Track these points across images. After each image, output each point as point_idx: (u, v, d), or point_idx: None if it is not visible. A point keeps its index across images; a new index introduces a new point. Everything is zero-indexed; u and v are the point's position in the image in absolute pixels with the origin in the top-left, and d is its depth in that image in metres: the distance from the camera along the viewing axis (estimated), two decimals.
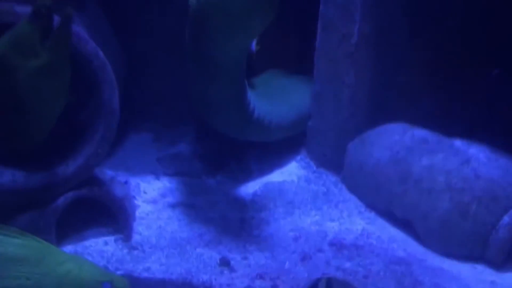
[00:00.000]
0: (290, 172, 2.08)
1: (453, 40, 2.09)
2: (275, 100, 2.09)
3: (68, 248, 1.58)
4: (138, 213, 1.75)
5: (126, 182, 1.84)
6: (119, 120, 1.59)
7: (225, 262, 1.59)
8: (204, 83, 1.78)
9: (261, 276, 1.55)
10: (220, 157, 2.06)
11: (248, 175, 2.03)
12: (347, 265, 1.62)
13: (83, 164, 1.59)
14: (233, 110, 1.85)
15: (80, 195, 1.59)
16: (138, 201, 1.81)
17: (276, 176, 2.05)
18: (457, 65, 2.09)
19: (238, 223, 1.77)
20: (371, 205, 1.93)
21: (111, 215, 1.64)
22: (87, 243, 1.62)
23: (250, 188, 1.97)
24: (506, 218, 1.69)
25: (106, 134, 1.58)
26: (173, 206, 1.82)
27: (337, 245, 1.72)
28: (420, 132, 1.93)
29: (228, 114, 1.87)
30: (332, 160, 2.12)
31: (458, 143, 1.86)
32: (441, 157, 1.82)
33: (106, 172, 1.78)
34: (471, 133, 1.89)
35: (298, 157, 2.17)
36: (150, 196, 1.86)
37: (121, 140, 2.08)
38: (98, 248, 1.60)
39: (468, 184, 1.73)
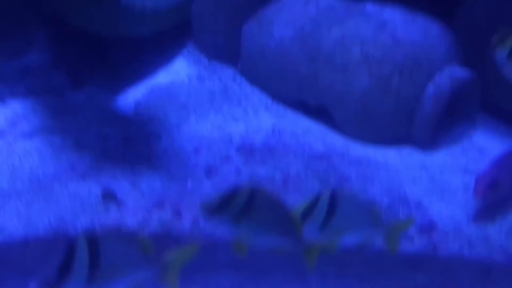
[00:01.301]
0: (178, 71, 1.71)
1: None
2: None
3: None
4: None
5: None
6: None
7: (109, 195, 1.24)
8: None
9: (159, 204, 1.24)
10: (85, 64, 1.63)
11: (125, 81, 1.63)
12: (261, 170, 1.35)
13: None
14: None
15: None
16: None
17: (162, 78, 1.67)
18: None
19: (120, 143, 1.40)
20: (278, 96, 1.63)
21: None
22: None
23: (130, 97, 1.59)
24: (430, 87, 1.46)
25: None
26: (29, 135, 1.40)
27: (246, 149, 1.42)
28: (325, 0, 1.61)
29: (89, 2, 1.43)
30: (226, 50, 1.77)
31: (369, 7, 1.57)
32: (353, 25, 1.53)
33: None
34: None
35: (185, 51, 1.78)
36: None
37: None
38: None
39: (386, 52, 1.47)
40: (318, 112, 1.54)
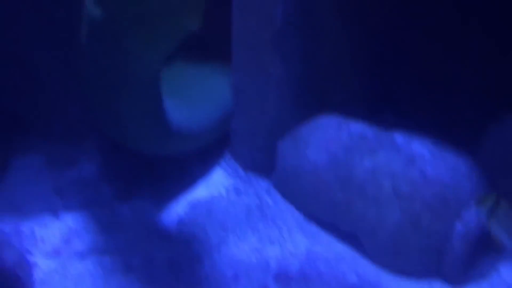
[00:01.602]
0: (217, 183, 1.81)
1: (387, 17, 1.85)
2: (194, 102, 1.77)
3: None
4: (36, 275, 1.41)
5: (16, 232, 1.47)
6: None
7: None
8: (112, 95, 1.44)
9: None
10: (132, 176, 1.73)
11: (168, 194, 1.72)
12: None
13: None
14: (147, 124, 1.54)
15: None
16: (35, 257, 1.46)
17: (202, 191, 1.77)
18: (391, 46, 1.87)
19: (166, 267, 1.49)
20: (311, 216, 1.72)
21: None
22: None
23: (173, 212, 1.68)
24: (459, 226, 1.55)
25: None
26: (82, 255, 1.49)
27: (283, 278, 1.51)
28: (357, 127, 1.72)
29: (142, 129, 1.55)
30: (261, 163, 1.87)
31: (399, 138, 1.67)
32: (384, 157, 1.63)
33: None
34: (409, 121, 1.72)
35: (223, 162, 1.88)
36: (51, 245, 1.51)
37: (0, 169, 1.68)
38: None
39: (416, 189, 1.57)
40: (351, 237, 1.63)
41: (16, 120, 1.76)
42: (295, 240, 1.64)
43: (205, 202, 1.73)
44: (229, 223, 1.66)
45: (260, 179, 1.85)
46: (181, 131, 1.64)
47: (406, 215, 1.56)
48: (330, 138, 1.71)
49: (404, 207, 1.57)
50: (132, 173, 1.73)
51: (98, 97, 1.50)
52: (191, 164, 1.81)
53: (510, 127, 1.73)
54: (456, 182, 1.60)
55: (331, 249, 1.62)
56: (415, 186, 1.57)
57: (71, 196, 1.65)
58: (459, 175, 1.62)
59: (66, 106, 1.76)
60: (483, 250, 1.61)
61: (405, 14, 1.83)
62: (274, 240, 1.63)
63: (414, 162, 1.61)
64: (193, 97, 1.81)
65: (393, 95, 1.92)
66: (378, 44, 1.89)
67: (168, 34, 1.28)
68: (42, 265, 1.45)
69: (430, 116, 1.80)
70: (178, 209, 1.69)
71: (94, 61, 1.40)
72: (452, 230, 1.55)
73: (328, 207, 1.67)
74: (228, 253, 1.56)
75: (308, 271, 1.53)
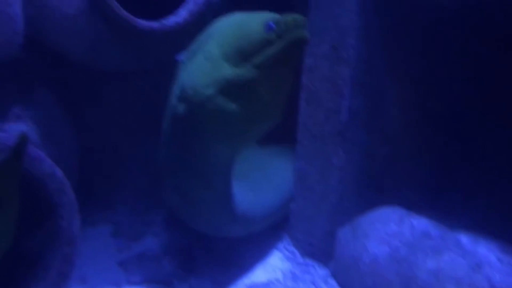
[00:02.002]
0: (274, 267, 1.82)
1: (450, 109, 1.90)
2: (258, 186, 1.83)
3: None
4: None
5: None
6: (79, 250, 1.28)
7: None
8: (186, 180, 1.51)
9: None
10: (192, 255, 1.77)
11: (226, 275, 1.75)
12: None
13: None
14: (215, 209, 1.60)
15: None
16: None
17: (259, 274, 1.79)
18: (455, 140, 1.91)
19: None
20: None
21: None
22: None
23: None
24: None
25: (64, 269, 1.27)
26: None
27: None
28: (420, 223, 1.72)
29: (210, 214, 1.61)
30: (319, 249, 1.89)
31: (464, 239, 1.66)
32: (448, 258, 1.61)
33: None
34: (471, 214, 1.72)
35: (281, 245, 1.91)
36: None
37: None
38: None
39: None
40: None
41: (88, 191, 1.86)
42: None
43: (262, 286, 1.75)
44: None
45: (317, 266, 1.86)
46: (245, 216, 1.69)
47: None
48: (391, 232, 1.72)
49: None
50: (192, 251, 1.78)
51: (171, 179, 1.58)
52: (250, 245, 1.84)
53: None
54: None
55: None
56: None
57: (134, 270, 1.70)
58: None
59: (136, 181, 1.85)
60: None
61: (468, 103, 1.88)
62: None
63: (481, 268, 1.58)
64: (257, 180, 1.88)
65: (456, 188, 1.93)
66: (441, 134, 1.93)
67: (249, 131, 1.35)
68: None
69: (495, 212, 1.80)
70: None
71: (172, 147, 1.49)
72: None
73: None
74: None
75: None
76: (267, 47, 1.23)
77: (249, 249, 1.85)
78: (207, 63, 1.29)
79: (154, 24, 1.41)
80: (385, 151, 1.87)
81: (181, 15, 1.48)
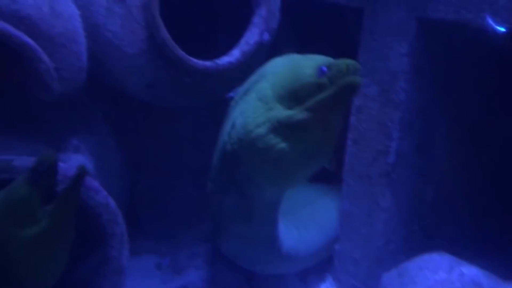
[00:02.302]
0: None
1: (500, 151, 1.87)
2: (303, 224, 1.83)
3: None
4: None
5: None
6: (125, 279, 1.31)
7: None
8: (232, 217, 1.53)
9: None
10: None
11: None
12: None
13: None
14: (261, 247, 1.60)
15: None
16: None
17: None
18: (506, 182, 1.86)
19: None
20: None
21: None
22: None
23: None
24: None
25: None
26: None
27: None
28: (470, 271, 1.67)
29: (255, 250, 1.62)
30: None
31: None
32: None
33: None
34: None
35: (324, 286, 1.89)
36: None
37: None
38: None
39: None
40: None
41: (135, 222, 1.91)
42: None
43: None
44: None
45: None
46: (289, 253, 1.69)
47: None
48: (440, 280, 1.67)
49: None
50: (235, 286, 1.78)
51: (217, 215, 1.60)
52: (292, 281, 1.83)
53: None
54: None
55: None
56: None
57: None
58: None
59: (182, 214, 1.89)
60: None
61: None
62: None
63: None
64: (302, 218, 1.88)
65: (507, 233, 1.87)
66: (490, 176, 1.89)
67: (297, 172, 1.35)
68: None
69: None
70: None
71: (220, 183, 1.52)
72: None
73: None
74: None
75: None
76: (319, 91, 1.24)
77: (297, 285, 1.84)
78: (259, 102, 1.31)
79: (208, 64, 1.46)
80: (432, 193, 1.85)
81: (234, 54, 1.53)
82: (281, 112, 1.27)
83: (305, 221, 1.88)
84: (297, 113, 1.25)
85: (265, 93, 1.31)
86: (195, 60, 1.45)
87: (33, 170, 1.11)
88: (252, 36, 1.56)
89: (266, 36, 1.66)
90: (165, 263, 1.86)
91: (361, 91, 1.78)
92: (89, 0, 1.40)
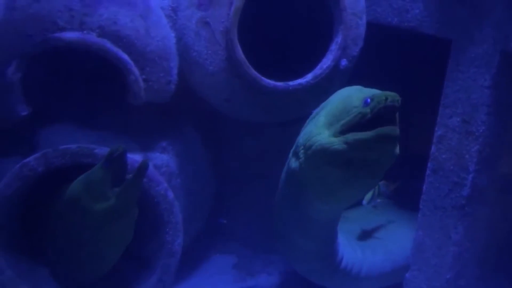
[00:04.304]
0: None
1: None
2: (370, 247, 1.87)
3: None
4: None
5: None
6: (178, 262, 1.52)
7: None
8: (293, 231, 1.66)
9: None
10: None
11: None
12: None
13: None
14: (318, 260, 1.70)
15: None
16: None
17: None
18: None
19: None
20: None
21: None
22: None
23: None
24: None
25: (163, 277, 1.52)
26: None
27: None
28: None
29: (313, 263, 1.72)
30: None
31: None
32: None
33: None
34: None
35: None
36: None
37: (202, 260, 2.02)
38: None
39: None
40: None
41: (220, 224, 2.12)
42: None
43: None
44: None
45: None
46: (348, 272, 1.75)
47: None
48: None
49: None
50: None
51: (281, 226, 1.73)
52: None
53: None
54: None
55: None
56: None
57: None
58: None
59: (262, 222, 2.05)
60: None
61: None
62: None
63: None
64: (370, 243, 1.91)
65: None
66: None
67: (342, 194, 1.42)
68: None
69: None
70: None
71: (282, 197, 1.65)
72: None
73: None
74: None
75: None
76: (361, 120, 1.31)
77: None
78: (314, 127, 1.43)
79: (278, 84, 1.62)
80: (507, 228, 1.75)
81: (306, 77, 1.67)
82: (325, 138, 1.35)
83: (374, 244, 1.92)
84: (337, 143, 1.32)
85: (320, 119, 1.43)
86: (267, 80, 1.62)
87: (106, 158, 1.38)
88: (326, 61, 1.69)
89: (344, 62, 1.76)
90: (241, 264, 2.04)
91: (443, 122, 1.79)
92: (183, 24, 1.67)
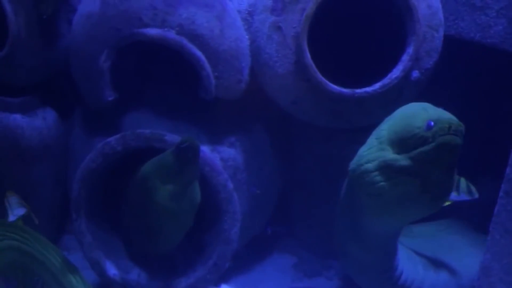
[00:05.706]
0: None
1: None
2: (434, 267, 1.83)
3: None
4: None
5: None
6: (234, 251, 1.60)
7: None
8: (352, 242, 1.69)
9: None
10: None
11: None
12: None
13: (192, 284, 1.64)
14: (376, 273, 1.70)
15: None
16: None
17: None
18: None
19: None
20: None
21: None
22: None
23: None
24: None
25: (218, 262, 1.62)
26: None
27: None
28: None
29: (370, 275, 1.72)
30: None
31: None
32: None
33: None
34: None
35: None
36: None
37: (262, 258, 2.08)
38: None
39: None
40: None
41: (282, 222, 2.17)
42: None
43: None
44: None
45: None
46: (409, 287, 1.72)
47: None
48: None
49: None
50: None
51: (340, 236, 1.75)
52: None
53: None
54: None
55: None
56: None
57: None
58: None
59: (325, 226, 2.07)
60: None
61: None
62: None
63: None
64: (434, 261, 1.86)
65: None
66: None
67: (398, 212, 1.43)
68: None
69: None
70: None
71: (340, 207, 1.68)
72: None
73: None
74: None
75: None
76: (422, 144, 1.34)
77: None
78: (375, 141, 1.46)
79: (344, 90, 1.66)
80: None
81: (374, 86, 1.69)
82: (389, 154, 1.39)
83: (438, 264, 1.86)
84: (402, 159, 1.36)
85: (382, 133, 1.46)
86: (333, 86, 1.67)
87: (177, 146, 1.52)
88: (395, 72, 1.70)
89: (416, 74, 1.76)
90: (301, 266, 2.08)
91: None
92: (257, 27, 1.77)
